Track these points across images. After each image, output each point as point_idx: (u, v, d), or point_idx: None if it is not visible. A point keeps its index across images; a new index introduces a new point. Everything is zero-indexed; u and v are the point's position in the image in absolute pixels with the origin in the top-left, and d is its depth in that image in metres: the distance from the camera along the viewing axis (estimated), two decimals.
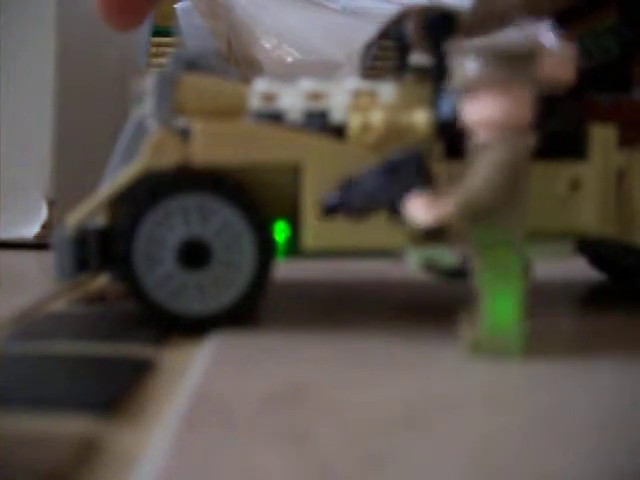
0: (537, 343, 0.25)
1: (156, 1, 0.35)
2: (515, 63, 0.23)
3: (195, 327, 0.27)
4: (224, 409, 0.19)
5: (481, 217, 0.23)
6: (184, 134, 0.27)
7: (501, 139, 0.23)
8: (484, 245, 0.24)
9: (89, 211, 0.27)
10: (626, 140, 0.28)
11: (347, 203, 0.26)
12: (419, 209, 0.24)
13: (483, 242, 0.24)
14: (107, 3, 0.34)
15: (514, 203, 0.23)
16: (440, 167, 0.27)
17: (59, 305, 0.32)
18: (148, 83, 0.28)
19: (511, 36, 0.26)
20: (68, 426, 0.18)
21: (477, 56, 0.23)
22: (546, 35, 0.29)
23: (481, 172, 0.23)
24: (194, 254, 0.27)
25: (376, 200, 0.26)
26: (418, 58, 0.28)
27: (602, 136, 0.27)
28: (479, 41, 0.23)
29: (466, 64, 0.23)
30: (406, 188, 0.25)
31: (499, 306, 0.24)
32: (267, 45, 0.59)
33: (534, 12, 0.36)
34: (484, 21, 0.38)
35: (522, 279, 0.24)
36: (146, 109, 0.28)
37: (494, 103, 0.23)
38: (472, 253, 0.24)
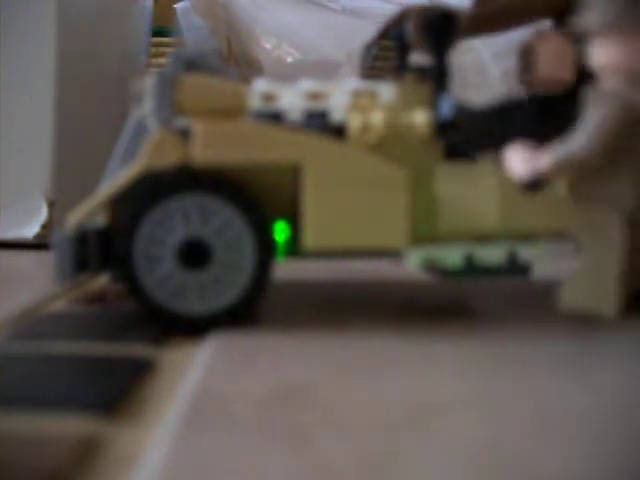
0: (536, 343, 0.25)
1: None
2: None
3: (195, 327, 0.27)
4: (224, 409, 0.19)
5: (583, 174, 0.22)
6: (184, 134, 0.27)
7: (620, 91, 0.22)
8: (586, 203, 0.23)
9: (89, 211, 0.27)
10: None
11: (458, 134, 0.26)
12: (518, 161, 0.23)
13: (583, 199, 0.23)
14: None
15: (622, 162, 0.22)
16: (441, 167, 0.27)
17: (59, 305, 0.32)
18: (148, 83, 0.28)
19: None
20: (68, 426, 0.18)
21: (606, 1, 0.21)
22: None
23: (586, 129, 0.22)
24: (194, 254, 0.27)
25: (484, 139, 0.25)
26: (418, 58, 0.28)
27: None
28: None
29: (598, 6, 0.22)
30: (513, 133, 0.24)
31: (596, 266, 0.23)
32: (267, 45, 0.59)
33: (533, 12, 0.36)
34: (484, 21, 0.38)
35: (621, 241, 0.23)
36: (146, 109, 0.28)
37: (623, 48, 0.21)
38: (573, 210, 0.23)
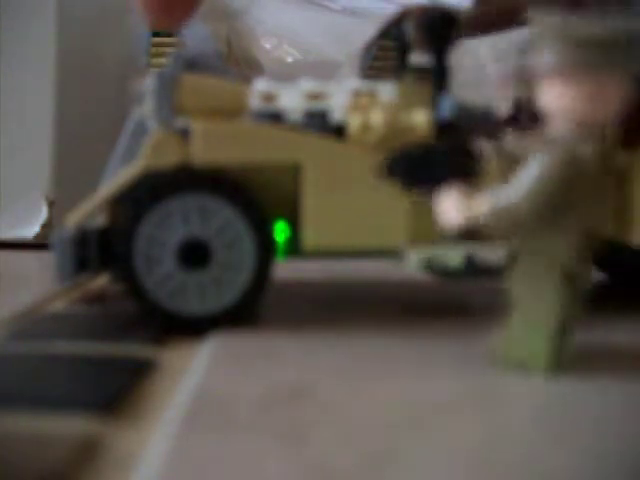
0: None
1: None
2: (600, 50, 0.20)
3: (195, 327, 0.27)
4: (224, 409, 0.19)
5: (521, 226, 0.21)
6: (184, 134, 0.27)
7: (567, 140, 0.21)
8: (522, 254, 0.22)
9: (89, 211, 0.27)
10: (626, 141, 0.28)
11: (396, 173, 0.25)
12: (450, 206, 0.21)
13: (521, 251, 0.22)
14: (150, 2, 0.33)
15: (565, 216, 0.21)
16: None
17: (59, 305, 0.32)
18: (148, 83, 0.28)
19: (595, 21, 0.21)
20: (68, 426, 0.18)
21: (558, 41, 0.20)
22: None
23: (523, 181, 0.21)
24: (194, 254, 0.27)
25: (415, 180, 0.25)
26: (418, 58, 0.28)
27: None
28: (561, 25, 0.21)
29: (545, 49, 0.21)
30: (442, 177, 0.23)
31: (529, 320, 0.22)
32: (267, 45, 0.59)
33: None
34: (484, 21, 0.38)
35: (561, 295, 0.21)
36: (146, 109, 0.28)
37: (571, 92, 0.20)
38: (510, 259, 0.22)
